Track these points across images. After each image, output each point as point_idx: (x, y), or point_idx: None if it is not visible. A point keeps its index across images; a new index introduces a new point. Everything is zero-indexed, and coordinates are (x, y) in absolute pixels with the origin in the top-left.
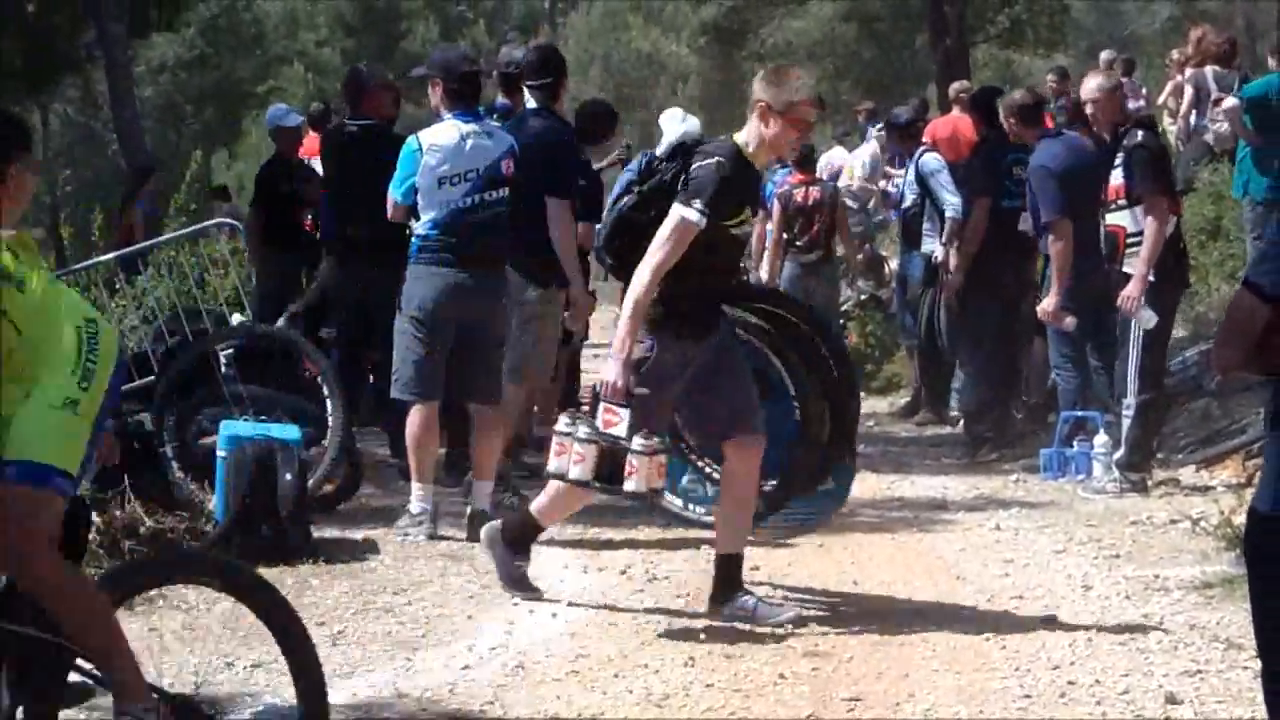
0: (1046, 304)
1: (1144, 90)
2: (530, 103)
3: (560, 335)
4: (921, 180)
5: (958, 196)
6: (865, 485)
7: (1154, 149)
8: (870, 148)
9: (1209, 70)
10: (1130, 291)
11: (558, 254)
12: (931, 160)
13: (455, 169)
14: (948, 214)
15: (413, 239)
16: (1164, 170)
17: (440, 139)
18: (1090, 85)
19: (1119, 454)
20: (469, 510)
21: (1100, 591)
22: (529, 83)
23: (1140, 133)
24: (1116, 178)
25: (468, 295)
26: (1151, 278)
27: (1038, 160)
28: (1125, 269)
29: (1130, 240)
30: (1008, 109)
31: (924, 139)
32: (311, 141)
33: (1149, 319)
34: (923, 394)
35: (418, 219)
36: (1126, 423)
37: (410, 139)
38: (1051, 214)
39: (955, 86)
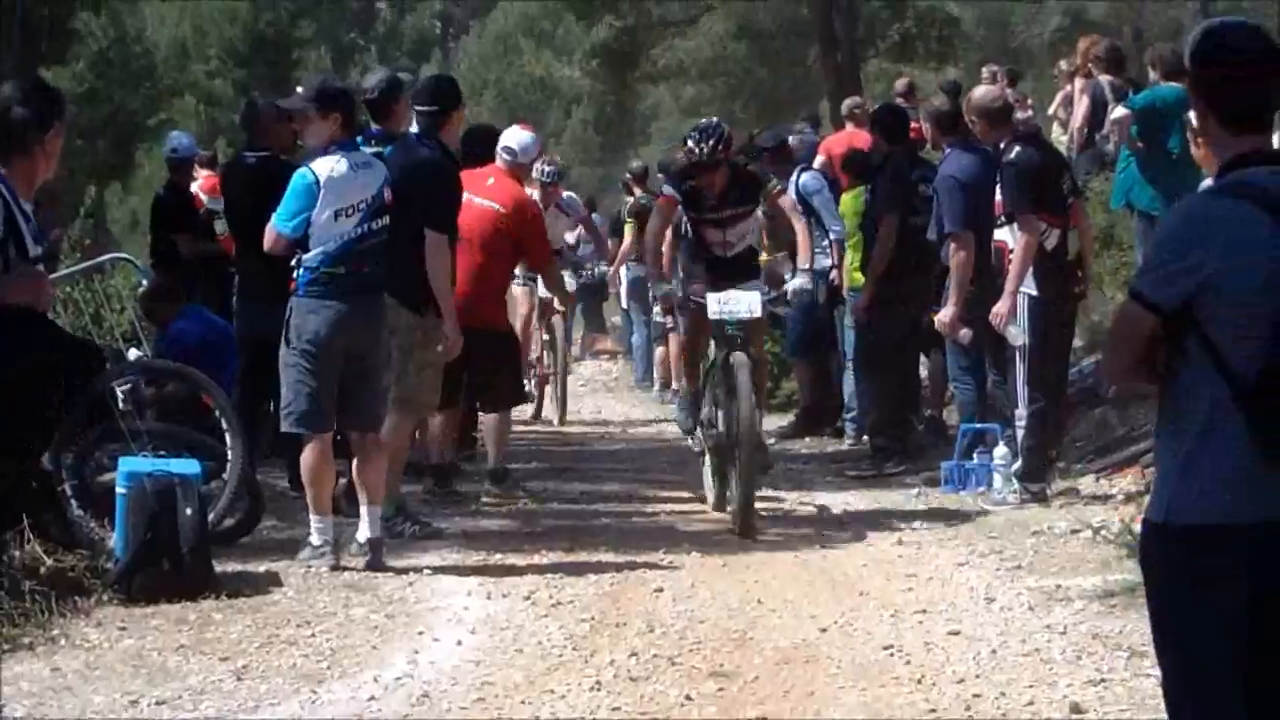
0: (943, 315)
1: (1030, 101)
2: (415, 128)
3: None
4: (803, 200)
5: (840, 220)
6: (767, 503)
7: (1026, 164)
8: None
9: (1105, 80)
10: (998, 308)
11: (432, 286)
12: (811, 180)
13: (349, 200)
14: (832, 237)
15: (300, 271)
16: (1043, 184)
17: (334, 172)
18: (972, 102)
19: (1016, 465)
20: (364, 538)
21: (1003, 603)
22: (417, 107)
23: (1016, 147)
24: (999, 194)
25: (355, 324)
26: (1035, 291)
27: (947, 170)
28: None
29: (1012, 257)
30: (927, 115)
31: (819, 153)
32: (210, 181)
33: (1015, 335)
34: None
35: (304, 250)
36: (1020, 434)
37: (304, 171)
38: (954, 225)
39: (848, 102)
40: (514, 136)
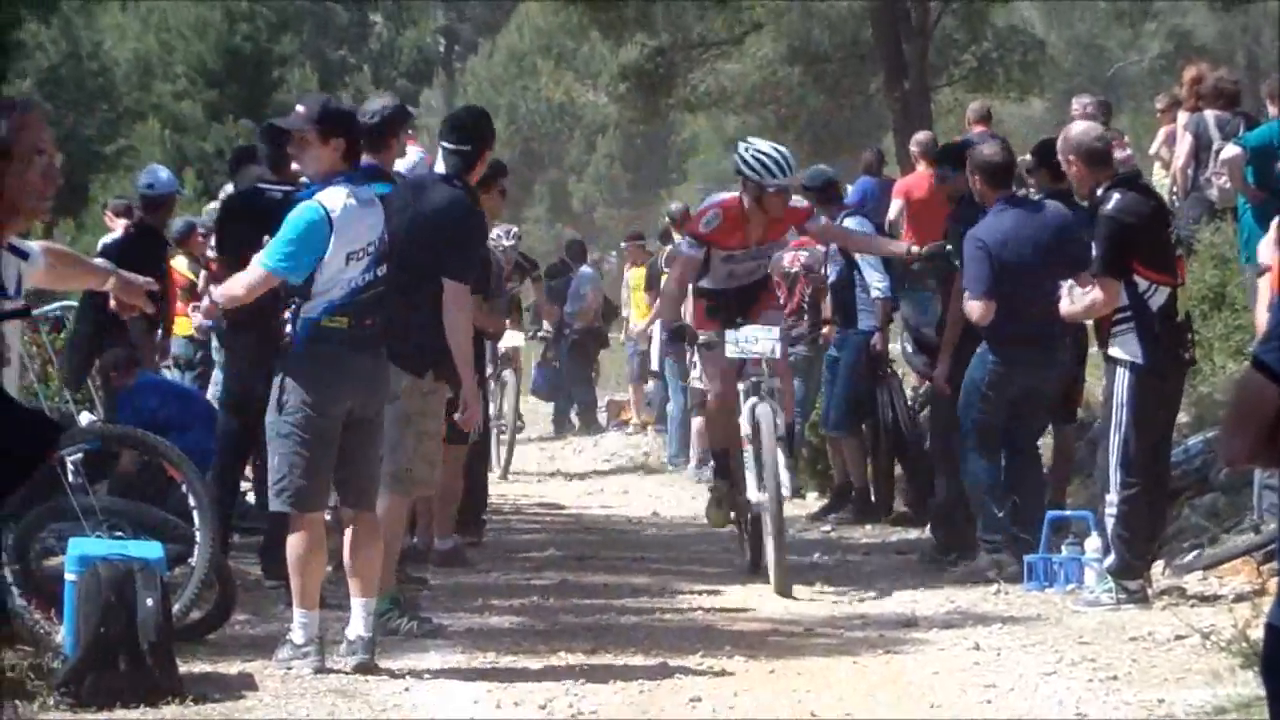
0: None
1: (1127, 139)
2: (440, 165)
3: (444, 433)
4: (845, 251)
5: (884, 273)
6: (821, 600)
7: (1125, 218)
8: None
9: (1210, 114)
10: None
11: (450, 344)
12: (858, 226)
13: (360, 242)
14: (872, 294)
15: (300, 323)
16: (1149, 236)
17: (344, 208)
18: (1068, 139)
19: (1110, 560)
20: (351, 637)
21: None
22: (446, 143)
23: (1115, 195)
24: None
25: (358, 386)
26: (1140, 359)
27: (975, 230)
28: (1112, 352)
29: (1116, 318)
30: (974, 164)
31: (895, 196)
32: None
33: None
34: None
35: (303, 299)
36: (1110, 523)
37: (314, 205)
38: (972, 290)
39: (920, 139)
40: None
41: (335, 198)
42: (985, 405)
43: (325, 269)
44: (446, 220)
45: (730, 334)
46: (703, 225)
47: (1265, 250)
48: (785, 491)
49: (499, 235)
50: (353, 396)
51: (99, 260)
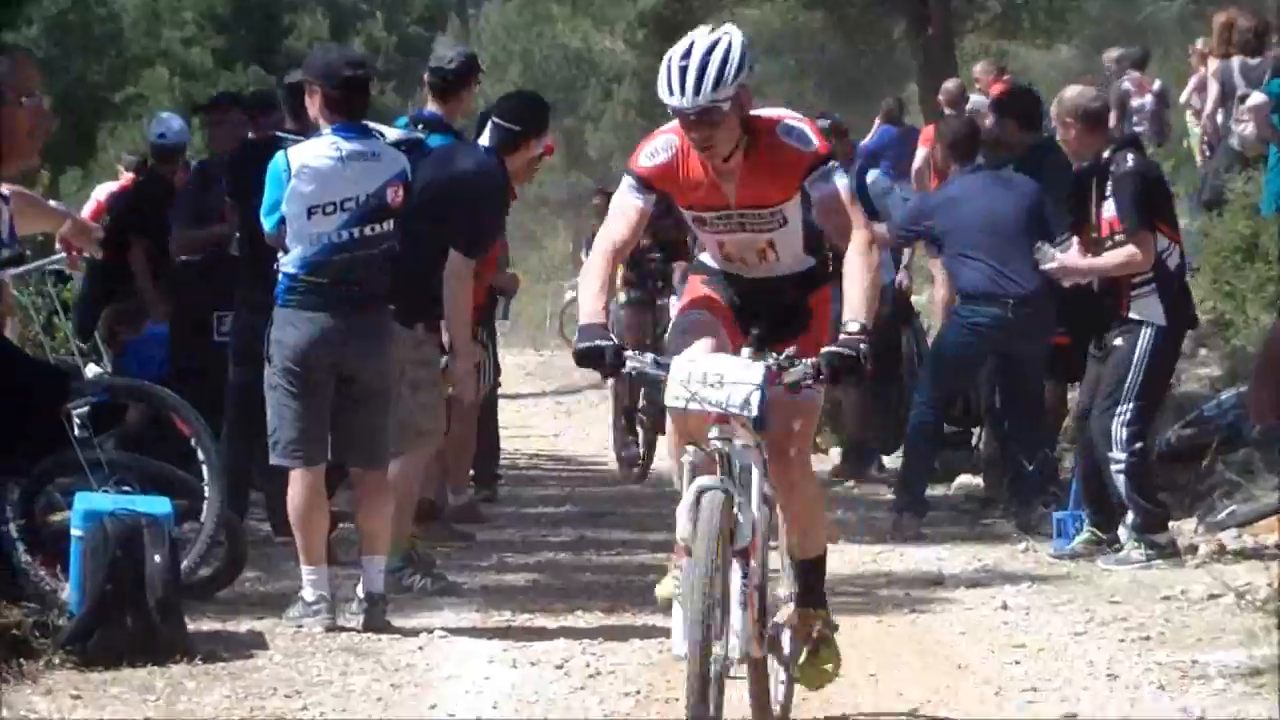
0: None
1: (1156, 85)
2: (485, 138)
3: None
4: (866, 200)
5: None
6: (845, 558)
7: (1149, 173)
8: None
9: (1235, 61)
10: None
11: (447, 314)
12: (881, 179)
13: (329, 196)
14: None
15: (280, 276)
16: (1164, 194)
17: (313, 159)
18: (1065, 102)
19: (1131, 517)
20: (361, 594)
21: (1129, 681)
22: (496, 118)
23: (1130, 155)
24: (1109, 209)
25: (344, 342)
26: (1163, 321)
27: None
28: (1132, 314)
29: (1137, 280)
30: (942, 135)
31: (920, 144)
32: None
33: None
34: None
35: (286, 251)
36: (1121, 482)
37: (278, 156)
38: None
39: (949, 87)
40: None
41: (307, 149)
42: (948, 360)
43: (290, 221)
44: (470, 189)
45: (678, 365)
46: (645, 156)
47: None
48: (734, 653)
49: None
50: (336, 355)
51: (54, 203)
